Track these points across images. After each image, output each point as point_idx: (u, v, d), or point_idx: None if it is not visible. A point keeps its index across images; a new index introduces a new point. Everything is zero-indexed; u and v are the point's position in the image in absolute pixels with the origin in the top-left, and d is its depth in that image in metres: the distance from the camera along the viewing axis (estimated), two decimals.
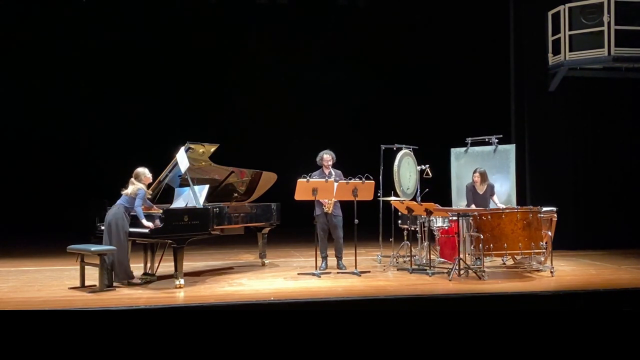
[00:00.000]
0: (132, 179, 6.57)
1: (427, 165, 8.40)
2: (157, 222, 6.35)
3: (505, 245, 6.87)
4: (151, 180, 6.71)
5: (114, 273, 6.42)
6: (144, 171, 6.63)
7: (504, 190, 8.66)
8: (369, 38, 12.93)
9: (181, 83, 12.91)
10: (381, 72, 13.21)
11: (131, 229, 6.48)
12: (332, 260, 7.71)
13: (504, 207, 7.61)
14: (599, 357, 4.53)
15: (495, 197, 7.95)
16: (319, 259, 7.47)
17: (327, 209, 7.47)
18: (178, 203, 7.08)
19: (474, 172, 8.01)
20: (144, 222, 6.34)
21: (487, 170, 8.75)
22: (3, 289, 6.53)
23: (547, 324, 4.85)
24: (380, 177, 8.28)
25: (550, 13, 9.77)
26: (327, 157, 7.57)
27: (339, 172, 7.60)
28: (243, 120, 13.16)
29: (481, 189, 7.93)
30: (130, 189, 6.50)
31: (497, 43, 11.03)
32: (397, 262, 8.09)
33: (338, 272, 7.44)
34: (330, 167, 7.56)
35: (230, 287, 6.63)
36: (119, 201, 6.53)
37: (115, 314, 5.26)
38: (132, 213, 6.48)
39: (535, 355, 4.57)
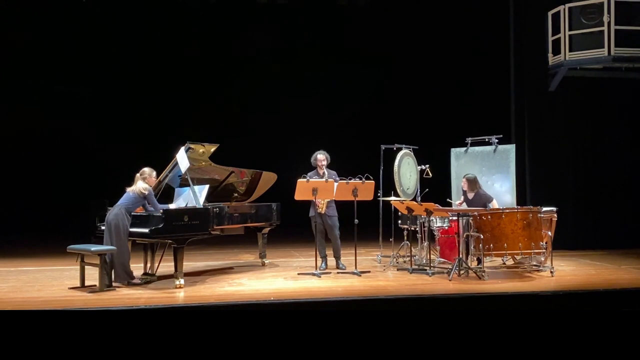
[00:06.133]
0: (138, 176, 6.55)
1: (427, 165, 8.41)
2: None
3: (505, 245, 6.88)
4: (155, 183, 6.71)
5: (115, 273, 6.41)
6: (150, 172, 6.63)
7: (504, 191, 8.65)
8: (368, 38, 12.93)
9: (181, 83, 12.90)
10: (381, 72, 13.22)
11: (131, 229, 6.47)
12: (332, 260, 7.70)
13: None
14: (599, 357, 4.52)
15: (494, 204, 7.63)
16: (319, 259, 7.47)
17: (320, 209, 7.46)
18: (178, 203, 7.09)
19: (463, 176, 7.96)
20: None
21: (487, 170, 8.73)
22: (3, 289, 6.53)
23: (547, 324, 4.85)
24: (380, 177, 8.27)
25: (550, 13, 9.77)
26: (321, 157, 7.55)
27: (334, 172, 7.57)
28: (243, 120, 13.16)
29: (470, 195, 7.83)
30: (135, 187, 6.47)
31: (497, 43, 11.03)
32: (397, 262, 8.08)
33: (338, 272, 7.43)
34: (324, 167, 7.55)
35: (230, 287, 6.62)
36: (120, 201, 6.50)
37: (115, 314, 5.26)
38: (132, 212, 6.47)
39: (535, 355, 4.57)
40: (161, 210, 6.41)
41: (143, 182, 6.50)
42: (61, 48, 12.48)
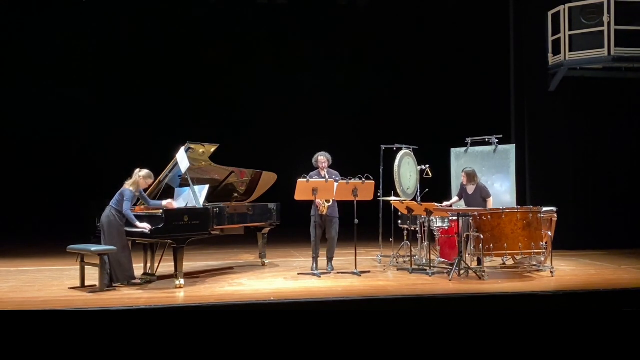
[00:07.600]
0: (137, 177, 6.52)
1: (427, 165, 8.41)
2: (146, 224, 6.32)
3: (505, 245, 6.88)
4: (149, 185, 6.67)
5: (114, 274, 6.41)
6: (146, 174, 6.58)
7: (504, 190, 8.65)
8: (368, 38, 12.94)
9: (181, 83, 12.90)
10: (381, 72, 13.22)
11: (130, 229, 6.45)
12: (322, 261, 7.62)
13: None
14: (599, 357, 4.52)
15: (489, 201, 7.68)
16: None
17: (321, 212, 7.45)
18: (178, 203, 7.07)
19: (462, 170, 7.98)
20: (138, 224, 6.32)
21: (487, 170, 8.74)
22: (3, 289, 6.53)
23: (547, 324, 4.85)
24: (380, 177, 8.27)
25: (550, 13, 9.77)
26: (322, 158, 7.54)
27: (336, 173, 7.56)
28: (243, 120, 13.16)
29: (470, 189, 7.83)
30: (126, 183, 6.49)
31: (497, 43, 11.04)
32: (397, 262, 8.08)
33: (338, 272, 7.43)
34: (326, 168, 7.53)
35: (230, 287, 6.63)
36: (111, 201, 6.50)
37: (115, 314, 5.26)
38: (131, 213, 6.46)
39: (535, 355, 4.57)
40: (160, 210, 6.41)
41: (130, 184, 6.45)
42: (60, 48, 12.47)
